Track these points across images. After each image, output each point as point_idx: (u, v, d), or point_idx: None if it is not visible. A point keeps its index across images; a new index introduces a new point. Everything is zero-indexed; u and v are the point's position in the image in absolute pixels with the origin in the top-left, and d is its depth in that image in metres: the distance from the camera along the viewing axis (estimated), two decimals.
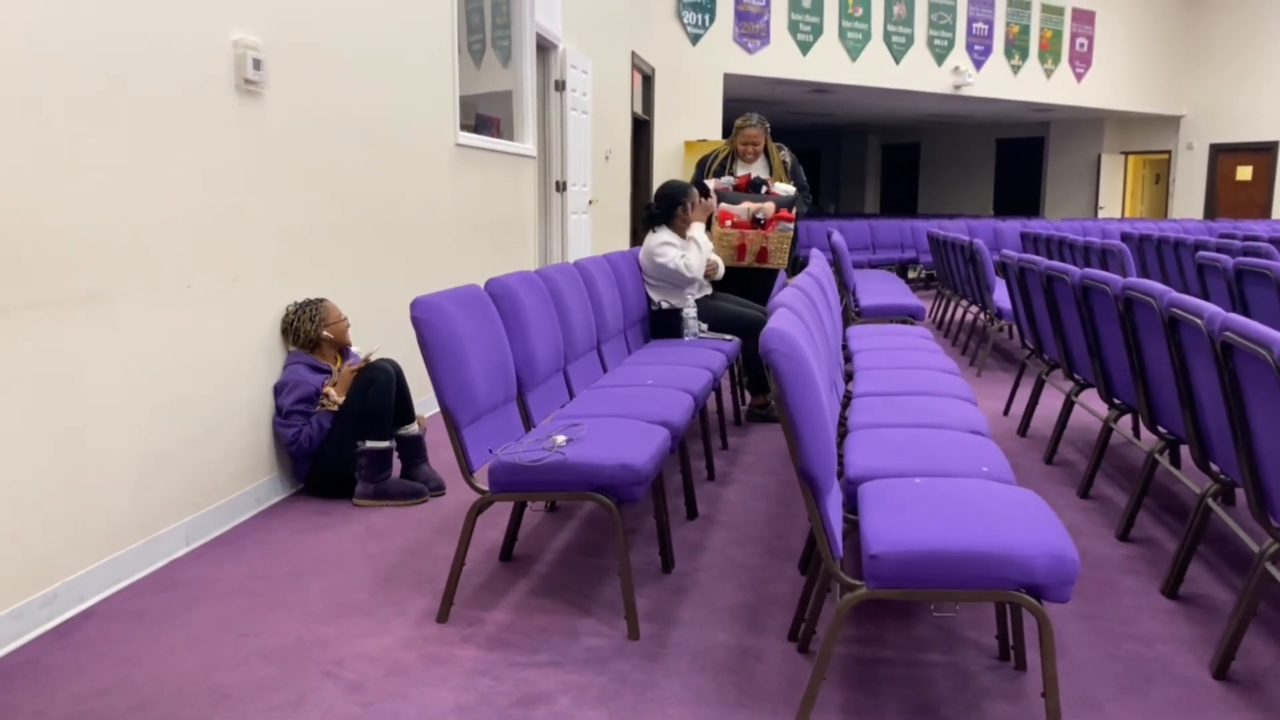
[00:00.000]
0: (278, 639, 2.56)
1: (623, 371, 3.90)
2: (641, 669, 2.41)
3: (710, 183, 5.20)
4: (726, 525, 3.48)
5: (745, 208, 5.07)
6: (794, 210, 5.12)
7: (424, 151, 4.97)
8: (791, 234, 5.12)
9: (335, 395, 3.70)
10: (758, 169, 5.33)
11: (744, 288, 5.22)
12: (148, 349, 3.01)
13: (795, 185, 5.27)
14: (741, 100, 14.92)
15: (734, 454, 4.47)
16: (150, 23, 2.96)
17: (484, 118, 6.36)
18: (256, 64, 3.44)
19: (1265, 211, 16.15)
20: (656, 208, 4.98)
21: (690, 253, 4.81)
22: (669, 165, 11.77)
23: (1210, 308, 2.47)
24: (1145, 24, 16.29)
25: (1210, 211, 16.78)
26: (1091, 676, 2.37)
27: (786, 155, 5.38)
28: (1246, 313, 4.56)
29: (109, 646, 2.52)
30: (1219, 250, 6.59)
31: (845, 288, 6.93)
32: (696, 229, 4.90)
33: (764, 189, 5.17)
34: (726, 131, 13.08)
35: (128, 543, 2.94)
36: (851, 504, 2.38)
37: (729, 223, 5.09)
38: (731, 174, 5.29)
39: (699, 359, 4.16)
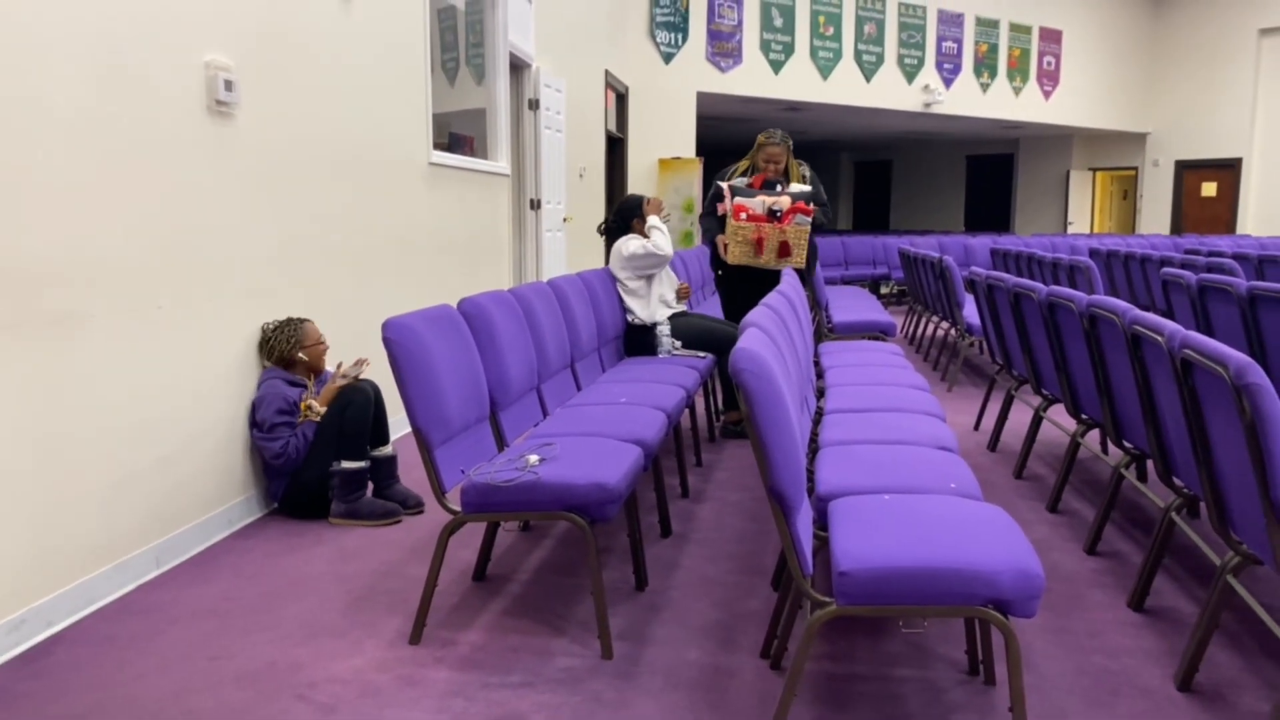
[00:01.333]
0: (250, 662, 2.55)
1: (596, 389, 3.91)
2: (615, 688, 2.41)
3: (724, 183, 5.14)
4: (700, 542, 3.49)
5: (760, 200, 4.95)
6: (810, 205, 4.98)
7: (397, 170, 4.98)
8: (808, 228, 4.96)
9: (319, 407, 3.70)
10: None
11: (762, 289, 5.13)
12: (118, 370, 2.99)
13: (814, 200, 5.09)
14: (715, 118, 15.03)
15: (708, 470, 4.49)
16: (120, 44, 2.96)
17: (457, 136, 6.37)
18: (228, 85, 3.44)
19: (1230, 227, 16.43)
20: (613, 221, 5.12)
21: (655, 235, 4.91)
22: (643, 183, 11.82)
23: (1171, 325, 2.52)
24: (1111, 43, 16.57)
25: (1177, 227, 17.04)
26: (1059, 690, 2.40)
27: (806, 170, 5.27)
28: (1209, 329, 4.64)
29: (78, 672, 2.49)
30: (1183, 266, 6.70)
31: (818, 304, 6.99)
32: (653, 219, 4.99)
33: (779, 188, 5.10)
34: (700, 149, 13.18)
35: (97, 566, 2.92)
36: (822, 521, 2.40)
37: (744, 215, 4.95)
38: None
39: (673, 376, 4.18)
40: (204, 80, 3.36)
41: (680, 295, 5.20)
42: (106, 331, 2.94)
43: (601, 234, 5.18)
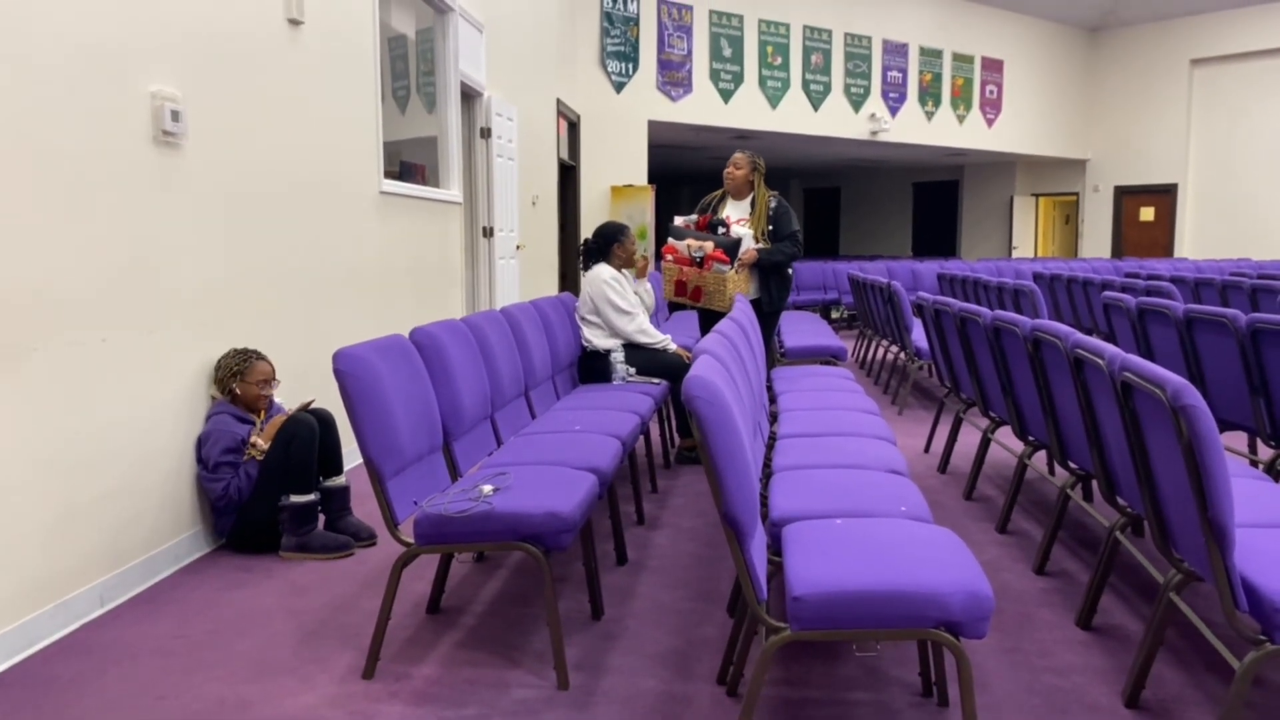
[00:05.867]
0: (198, 701, 2.50)
1: (551, 418, 3.91)
2: (571, 719, 2.40)
3: (678, 219, 5.36)
4: (656, 570, 3.49)
5: (686, 244, 5.20)
6: (732, 255, 5.09)
7: (348, 200, 4.95)
8: (726, 274, 5.07)
9: (262, 444, 3.65)
10: (743, 208, 5.34)
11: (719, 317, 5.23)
12: (60, 404, 2.93)
13: (778, 232, 5.21)
14: (666, 146, 15.15)
15: (663, 497, 4.50)
16: (65, 74, 2.93)
17: (408, 165, 6.36)
18: (175, 115, 3.41)
19: (1167, 250, 16.89)
20: (593, 243, 5.15)
21: (642, 316, 4.96)
22: (596, 210, 11.87)
23: (1110, 349, 2.59)
24: (1051, 72, 17.02)
25: (1117, 250, 17.49)
26: (1011, 709, 2.43)
27: (774, 200, 5.30)
28: (1149, 350, 4.76)
29: (20, 716, 2.42)
30: (1123, 290, 6.87)
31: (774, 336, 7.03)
32: (646, 325, 5.01)
33: (720, 230, 5.22)
34: (652, 177, 13.26)
35: (38, 606, 2.84)
36: (776, 546, 2.42)
37: (670, 258, 5.26)
38: (715, 212, 5.38)
39: (627, 403, 4.19)
40: (150, 111, 3.33)
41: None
42: (50, 363, 2.88)
43: (579, 255, 5.23)
